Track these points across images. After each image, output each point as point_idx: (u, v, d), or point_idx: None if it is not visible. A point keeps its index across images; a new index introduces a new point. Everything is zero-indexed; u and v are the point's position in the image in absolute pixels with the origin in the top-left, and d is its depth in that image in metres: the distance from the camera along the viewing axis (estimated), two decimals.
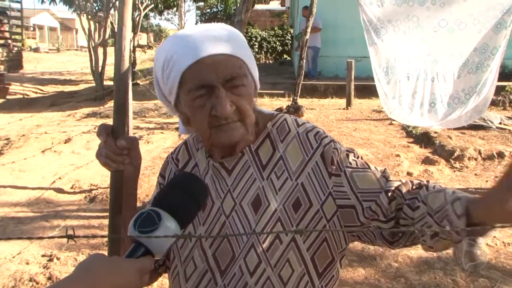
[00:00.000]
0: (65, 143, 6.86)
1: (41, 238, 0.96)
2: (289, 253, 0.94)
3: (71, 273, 0.69)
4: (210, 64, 0.89)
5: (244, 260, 0.94)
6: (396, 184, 0.93)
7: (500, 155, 5.72)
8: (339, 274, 1.03)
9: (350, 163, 0.96)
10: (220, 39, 0.92)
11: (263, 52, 17.99)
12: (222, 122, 0.92)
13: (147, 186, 4.71)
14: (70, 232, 0.80)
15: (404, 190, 0.92)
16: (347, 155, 0.98)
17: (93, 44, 12.55)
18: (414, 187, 0.93)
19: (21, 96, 12.23)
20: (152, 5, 15.92)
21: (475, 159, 5.71)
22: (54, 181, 5.17)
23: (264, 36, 17.96)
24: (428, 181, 0.92)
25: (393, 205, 0.91)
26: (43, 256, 3.46)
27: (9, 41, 17.93)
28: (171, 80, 0.93)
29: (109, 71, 12.98)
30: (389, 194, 0.92)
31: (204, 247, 0.99)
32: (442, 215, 0.81)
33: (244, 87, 0.93)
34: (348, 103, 9.63)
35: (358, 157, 0.99)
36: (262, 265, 0.93)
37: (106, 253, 1.14)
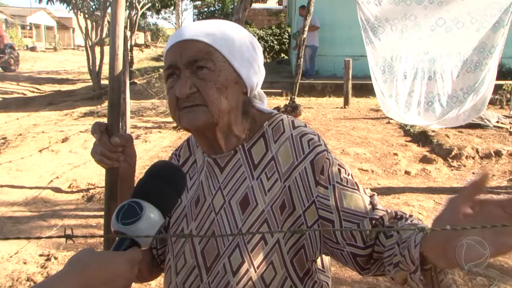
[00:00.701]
0: (62, 142, 6.84)
1: (39, 238, 0.95)
2: (273, 255, 0.94)
3: (62, 268, 0.69)
4: (178, 47, 0.94)
5: (228, 259, 0.94)
6: (381, 213, 0.93)
7: (498, 153, 5.74)
8: (324, 280, 1.03)
9: (341, 179, 0.95)
10: (201, 29, 0.94)
11: None
12: (186, 104, 0.93)
13: None
14: (68, 231, 0.79)
15: (386, 220, 0.92)
16: (339, 170, 0.96)
17: (90, 43, 12.50)
18: (395, 218, 0.93)
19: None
20: (149, 4, 15.87)
21: (473, 158, 5.72)
22: (51, 181, 5.15)
23: (262, 35, 17.94)
24: (411, 215, 0.93)
25: (374, 232, 0.91)
26: (40, 255, 3.45)
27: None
28: None
29: (106, 70, 12.75)
30: (373, 222, 0.92)
31: (194, 243, 1.00)
32: (406, 244, 0.81)
33: (208, 71, 0.92)
34: (346, 102, 9.64)
35: (349, 175, 0.97)
36: (245, 265, 0.93)
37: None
